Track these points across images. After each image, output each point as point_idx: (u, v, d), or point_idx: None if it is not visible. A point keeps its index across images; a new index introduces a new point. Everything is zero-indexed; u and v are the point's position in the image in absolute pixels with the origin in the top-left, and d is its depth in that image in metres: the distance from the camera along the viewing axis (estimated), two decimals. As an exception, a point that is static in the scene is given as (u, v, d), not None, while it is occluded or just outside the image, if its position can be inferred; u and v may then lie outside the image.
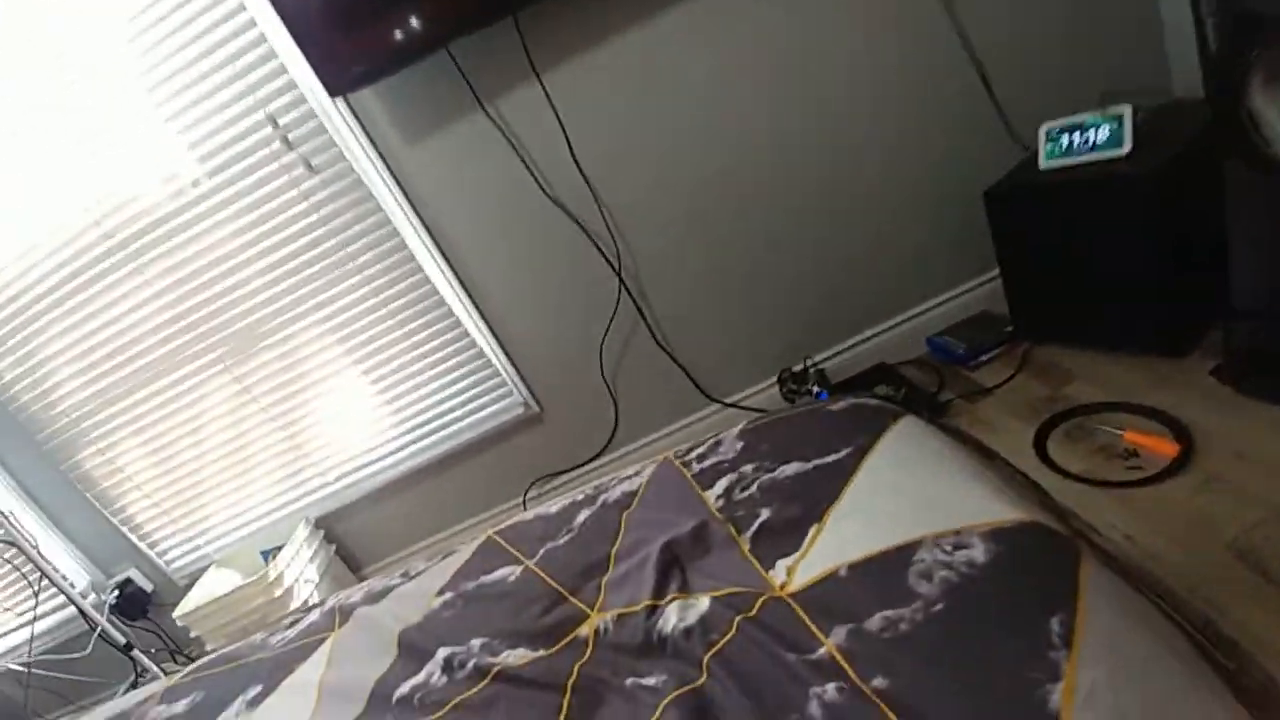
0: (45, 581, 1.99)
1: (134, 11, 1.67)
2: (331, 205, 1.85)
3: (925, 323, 1.97)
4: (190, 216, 1.86)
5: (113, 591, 2.27)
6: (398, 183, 1.80)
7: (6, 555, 2.15)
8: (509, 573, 1.08)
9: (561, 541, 1.10)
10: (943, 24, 1.68)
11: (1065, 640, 0.62)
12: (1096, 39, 1.71)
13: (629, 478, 1.16)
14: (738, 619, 0.81)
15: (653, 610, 0.89)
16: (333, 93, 1.64)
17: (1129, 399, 1.48)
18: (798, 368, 1.94)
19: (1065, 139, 1.54)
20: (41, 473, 2.20)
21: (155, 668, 2.07)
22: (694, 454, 1.14)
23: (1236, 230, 1.28)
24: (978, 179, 1.69)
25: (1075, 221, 1.54)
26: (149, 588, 2.34)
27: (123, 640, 2.04)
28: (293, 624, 1.21)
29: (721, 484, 1.03)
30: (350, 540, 2.30)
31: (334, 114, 1.73)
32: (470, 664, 0.93)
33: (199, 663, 1.25)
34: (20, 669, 2.21)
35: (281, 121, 1.77)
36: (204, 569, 2.20)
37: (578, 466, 2.15)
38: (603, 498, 1.14)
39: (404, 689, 0.94)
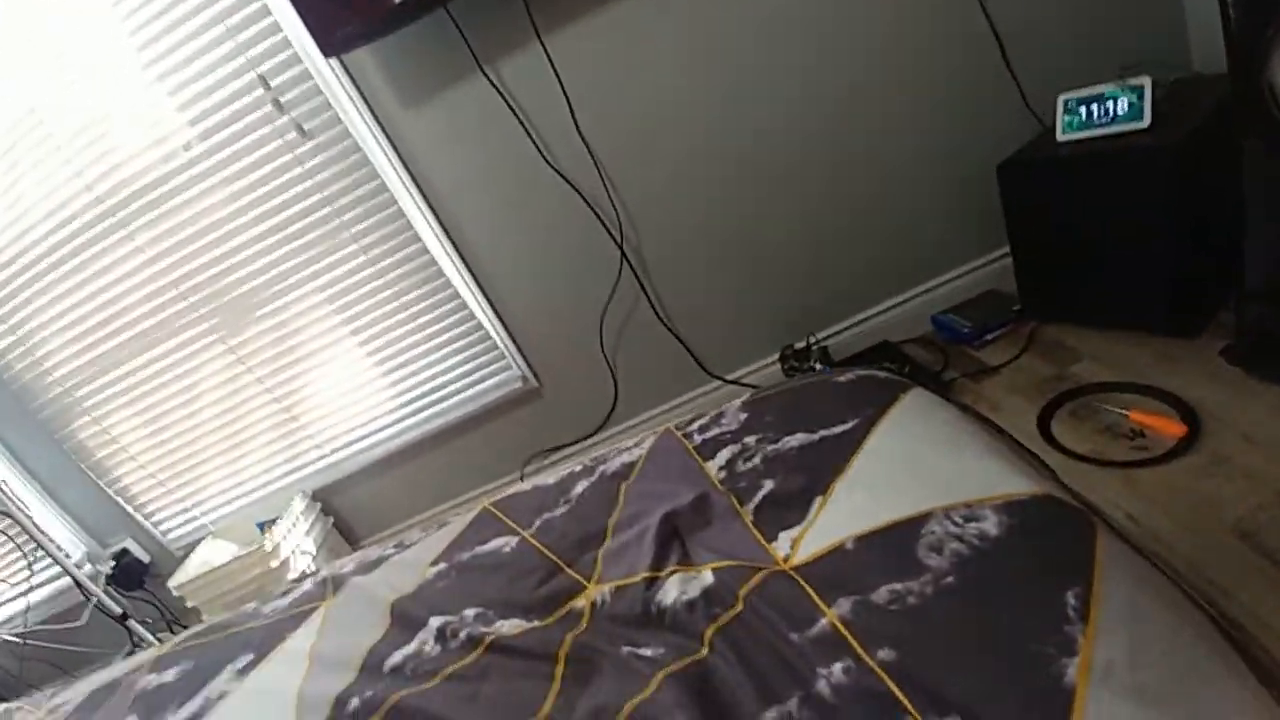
0: (40, 552, 1.98)
1: (121, -35, 1.62)
2: (326, 171, 1.81)
3: (931, 301, 1.94)
4: (183, 180, 1.82)
5: (110, 562, 2.26)
6: (394, 148, 1.75)
7: (1, 526, 2.14)
8: (504, 543, 1.06)
9: (559, 512, 1.07)
10: (959, -10, 1.63)
11: (1081, 614, 0.60)
12: (1115, 10, 1.66)
13: (629, 449, 1.14)
14: (743, 593, 0.78)
15: (651, 582, 0.87)
16: (327, 53, 1.59)
17: (1136, 379, 1.46)
18: (800, 345, 1.92)
19: (1084, 110, 1.49)
20: (36, 443, 2.18)
21: (151, 637, 2.07)
22: (695, 425, 1.11)
23: (1253, 211, 1.26)
24: (990, 154, 1.65)
25: (1091, 196, 1.51)
26: (146, 559, 2.33)
27: (118, 610, 2.03)
28: (285, 594, 1.20)
29: (724, 455, 1.00)
30: (348, 513, 2.29)
31: (328, 75, 1.68)
32: (463, 634, 0.91)
33: (190, 631, 1.24)
34: (15, 640, 2.21)
35: (274, 83, 1.71)
36: (200, 540, 2.19)
37: (576, 441, 2.13)
38: (601, 469, 1.12)
39: (396, 658, 0.92)
